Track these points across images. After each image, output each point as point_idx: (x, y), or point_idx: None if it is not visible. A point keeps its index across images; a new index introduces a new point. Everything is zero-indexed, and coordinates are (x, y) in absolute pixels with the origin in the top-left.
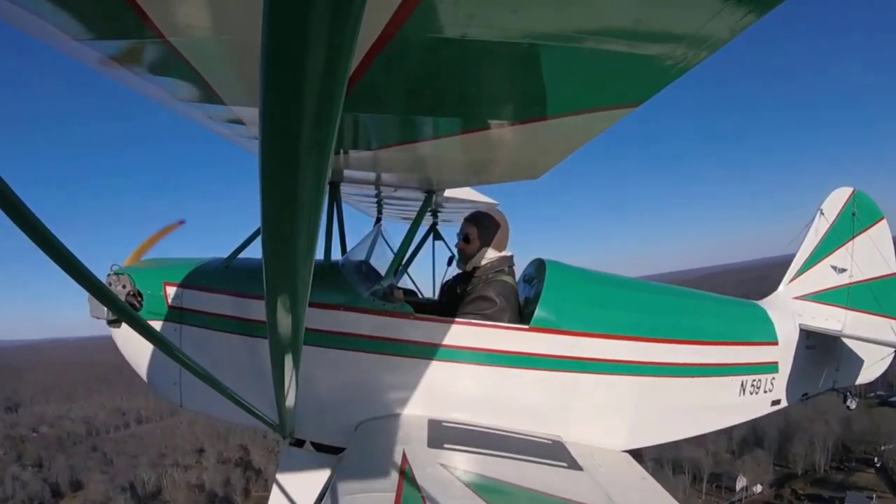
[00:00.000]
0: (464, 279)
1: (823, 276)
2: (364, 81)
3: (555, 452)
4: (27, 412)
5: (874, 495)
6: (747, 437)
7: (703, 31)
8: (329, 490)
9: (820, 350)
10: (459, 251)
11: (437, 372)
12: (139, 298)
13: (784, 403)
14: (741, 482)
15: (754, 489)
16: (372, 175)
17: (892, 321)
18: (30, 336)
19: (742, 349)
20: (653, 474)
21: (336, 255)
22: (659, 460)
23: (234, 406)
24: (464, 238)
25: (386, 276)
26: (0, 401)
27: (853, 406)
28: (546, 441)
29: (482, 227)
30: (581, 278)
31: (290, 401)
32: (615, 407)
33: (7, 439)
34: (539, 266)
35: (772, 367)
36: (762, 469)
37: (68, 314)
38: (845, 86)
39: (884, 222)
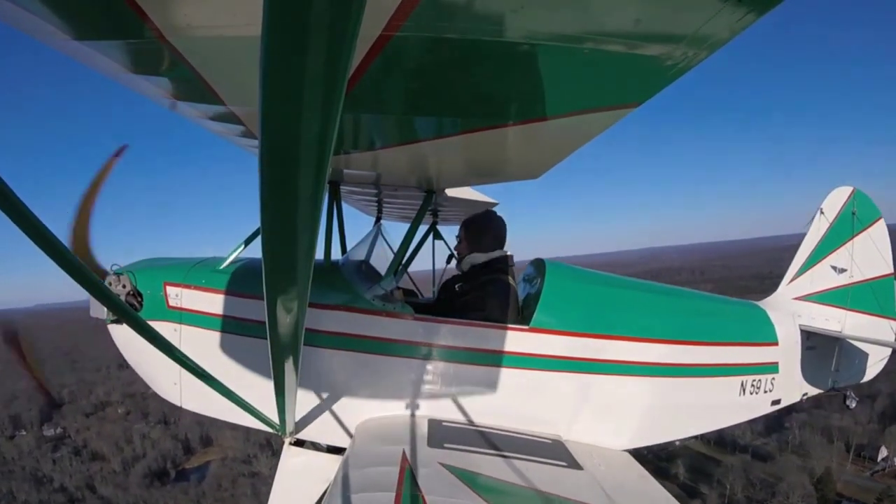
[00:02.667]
0: (463, 279)
1: (823, 277)
2: (364, 81)
3: (555, 452)
4: None
5: None
6: (886, 411)
7: (702, 30)
8: (329, 490)
9: (820, 350)
10: (458, 252)
11: (436, 372)
12: (139, 298)
13: (784, 403)
14: (883, 453)
15: (895, 460)
16: (372, 175)
17: (892, 321)
18: None
19: (742, 349)
20: (654, 473)
21: (336, 255)
22: (813, 425)
23: (234, 406)
24: (462, 239)
25: (386, 276)
26: (111, 359)
27: (853, 406)
28: (546, 440)
29: (481, 228)
30: (581, 278)
31: (289, 401)
32: (615, 407)
33: (127, 397)
34: (539, 266)
35: (772, 368)
36: None
37: None
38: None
39: (882, 222)
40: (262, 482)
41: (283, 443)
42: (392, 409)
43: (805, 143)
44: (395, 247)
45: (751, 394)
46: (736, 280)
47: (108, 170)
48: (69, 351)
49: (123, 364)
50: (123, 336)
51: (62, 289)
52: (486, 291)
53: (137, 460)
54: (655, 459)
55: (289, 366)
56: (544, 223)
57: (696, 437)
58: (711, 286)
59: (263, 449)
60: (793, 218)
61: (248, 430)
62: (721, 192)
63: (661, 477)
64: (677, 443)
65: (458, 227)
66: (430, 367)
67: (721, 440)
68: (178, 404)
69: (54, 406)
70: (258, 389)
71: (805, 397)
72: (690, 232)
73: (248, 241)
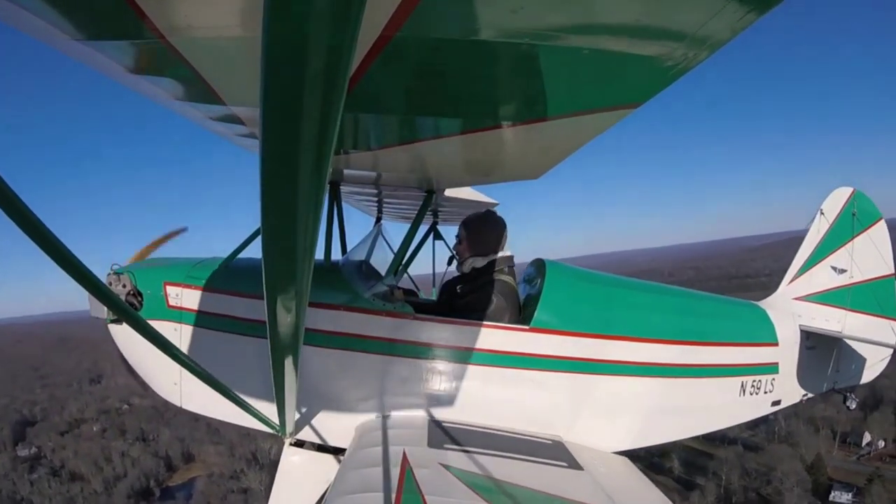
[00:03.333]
0: (463, 280)
1: (824, 277)
2: (364, 81)
3: (555, 452)
4: (111, 384)
5: None
6: (867, 400)
7: (703, 30)
8: (329, 490)
9: (820, 351)
10: (458, 253)
11: (437, 372)
12: (139, 298)
13: (784, 403)
14: (867, 438)
15: (878, 444)
16: (372, 175)
17: (892, 322)
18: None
19: (742, 350)
20: (648, 474)
21: (336, 255)
22: (798, 415)
23: (234, 406)
24: (462, 240)
25: (386, 276)
26: (82, 373)
27: (853, 406)
28: (546, 441)
29: (480, 228)
30: (581, 279)
31: (290, 401)
32: (615, 407)
33: (102, 413)
34: (539, 266)
35: (772, 368)
36: (886, 426)
37: None
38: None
39: (882, 222)
40: (255, 498)
41: (281, 446)
42: (392, 410)
43: (772, 141)
44: (395, 247)
45: (751, 394)
46: (705, 281)
47: (167, 239)
48: (38, 366)
49: (95, 379)
50: (123, 336)
51: (23, 302)
52: (488, 293)
53: (119, 480)
54: (648, 455)
55: (289, 366)
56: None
57: None
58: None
59: (250, 464)
60: (760, 220)
61: (231, 444)
62: (689, 194)
63: (655, 472)
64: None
65: (457, 228)
66: (430, 367)
67: (710, 435)
68: (178, 404)
69: None
70: (258, 389)
71: (805, 398)
72: (661, 235)
73: (248, 241)
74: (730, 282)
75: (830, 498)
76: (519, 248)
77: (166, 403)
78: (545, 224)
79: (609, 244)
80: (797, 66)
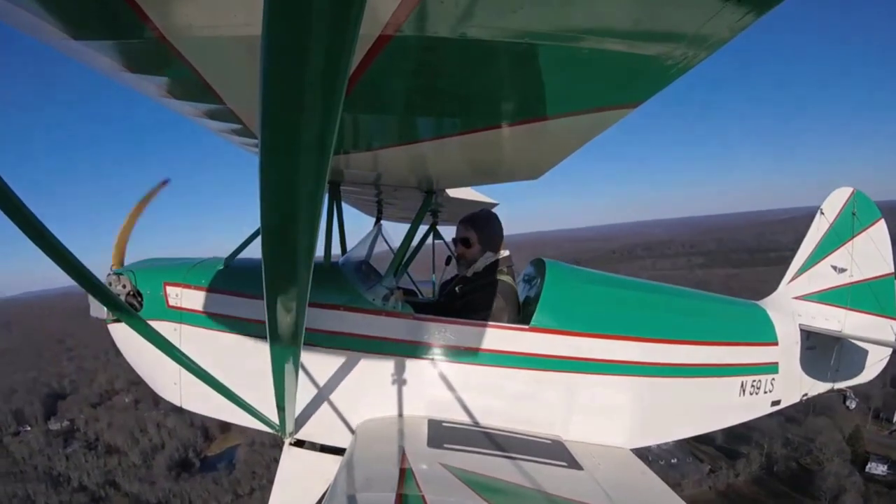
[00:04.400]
0: (463, 280)
1: (823, 276)
2: (364, 81)
3: (555, 452)
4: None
5: None
6: None
7: (703, 30)
8: (329, 490)
9: (820, 350)
10: (461, 254)
11: (437, 372)
12: (139, 298)
13: (784, 403)
14: None
15: None
16: (372, 175)
17: (892, 321)
18: None
19: (742, 349)
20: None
21: (336, 255)
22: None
23: (234, 406)
24: (461, 241)
25: (386, 276)
26: (108, 344)
27: (853, 406)
28: (546, 441)
29: (478, 229)
30: (581, 278)
31: (289, 401)
32: (615, 407)
33: (133, 385)
34: (539, 266)
35: (772, 368)
36: None
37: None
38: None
39: (882, 222)
40: None
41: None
42: (392, 409)
43: (795, 118)
44: (395, 247)
45: (751, 394)
46: (728, 253)
47: (151, 197)
48: (63, 338)
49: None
50: (123, 336)
51: (49, 275)
52: (488, 293)
53: (157, 451)
54: None
55: (289, 366)
56: (523, 197)
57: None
58: (703, 259)
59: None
60: (781, 194)
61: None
62: (710, 167)
63: (697, 442)
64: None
65: (457, 229)
66: (430, 366)
67: None
68: (178, 404)
69: None
70: (258, 389)
71: (805, 397)
72: (679, 205)
73: (247, 241)
74: (752, 255)
75: (867, 469)
76: (533, 214)
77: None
78: (550, 192)
79: (622, 215)
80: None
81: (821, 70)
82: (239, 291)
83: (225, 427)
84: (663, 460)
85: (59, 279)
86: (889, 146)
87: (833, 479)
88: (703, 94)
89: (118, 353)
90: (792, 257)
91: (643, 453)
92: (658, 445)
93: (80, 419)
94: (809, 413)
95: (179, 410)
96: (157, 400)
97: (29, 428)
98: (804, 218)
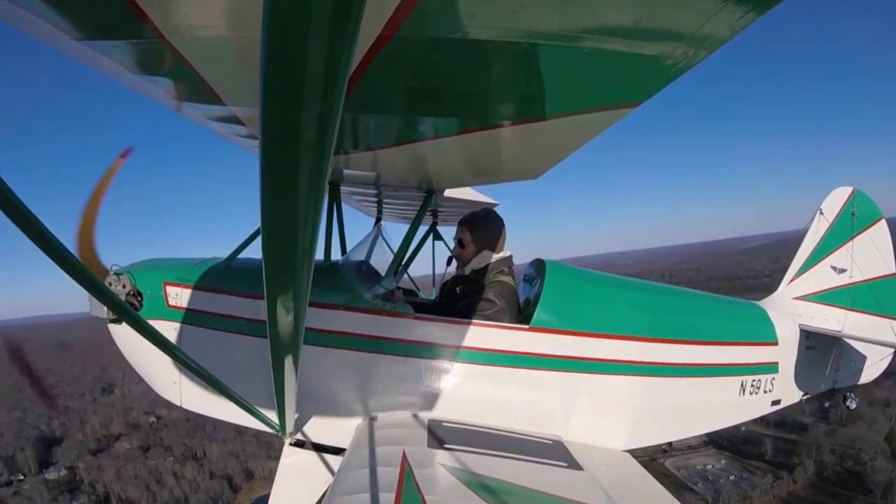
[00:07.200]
0: (463, 280)
1: (823, 277)
2: (364, 81)
3: (555, 452)
4: (126, 392)
5: None
6: None
7: (702, 30)
8: (329, 490)
9: (820, 350)
10: (457, 255)
11: (437, 372)
12: (139, 298)
13: (784, 403)
14: None
15: None
16: (372, 175)
17: (892, 321)
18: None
19: (742, 349)
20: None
21: (336, 255)
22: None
23: (234, 406)
24: (461, 242)
25: (386, 276)
26: (91, 382)
27: (853, 406)
28: (546, 441)
29: (478, 229)
30: (581, 278)
31: (290, 401)
32: (615, 407)
33: (132, 428)
34: (539, 266)
35: (772, 368)
36: None
37: None
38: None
39: (883, 222)
40: None
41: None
42: (392, 409)
43: (761, 144)
44: (395, 247)
45: (751, 394)
46: (707, 282)
47: (115, 171)
48: (43, 374)
49: (106, 388)
50: (123, 336)
51: (21, 305)
52: (488, 294)
53: None
54: (738, 443)
55: (289, 366)
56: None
57: (757, 421)
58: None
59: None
60: (756, 220)
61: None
62: (678, 196)
63: (745, 458)
64: (672, 442)
65: (457, 228)
66: (430, 366)
67: (782, 422)
68: (178, 404)
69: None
70: (258, 389)
71: (805, 397)
72: (648, 236)
73: (248, 241)
74: (732, 283)
75: None
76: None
77: (200, 415)
78: (547, 225)
79: (591, 246)
80: (792, 67)
81: (791, 93)
82: (239, 291)
83: (248, 474)
84: (722, 478)
85: (31, 308)
86: (866, 168)
87: (880, 475)
88: (675, 122)
89: (102, 389)
90: (772, 282)
91: (701, 474)
92: (711, 465)
93: (80, 468)
94: (838, 425)
95: (196, 458)
96: (166, 446)
97: (23, 477)
98: (775, 244)
